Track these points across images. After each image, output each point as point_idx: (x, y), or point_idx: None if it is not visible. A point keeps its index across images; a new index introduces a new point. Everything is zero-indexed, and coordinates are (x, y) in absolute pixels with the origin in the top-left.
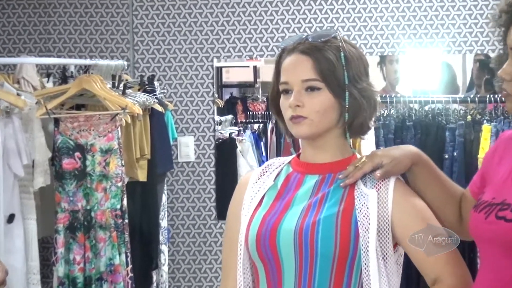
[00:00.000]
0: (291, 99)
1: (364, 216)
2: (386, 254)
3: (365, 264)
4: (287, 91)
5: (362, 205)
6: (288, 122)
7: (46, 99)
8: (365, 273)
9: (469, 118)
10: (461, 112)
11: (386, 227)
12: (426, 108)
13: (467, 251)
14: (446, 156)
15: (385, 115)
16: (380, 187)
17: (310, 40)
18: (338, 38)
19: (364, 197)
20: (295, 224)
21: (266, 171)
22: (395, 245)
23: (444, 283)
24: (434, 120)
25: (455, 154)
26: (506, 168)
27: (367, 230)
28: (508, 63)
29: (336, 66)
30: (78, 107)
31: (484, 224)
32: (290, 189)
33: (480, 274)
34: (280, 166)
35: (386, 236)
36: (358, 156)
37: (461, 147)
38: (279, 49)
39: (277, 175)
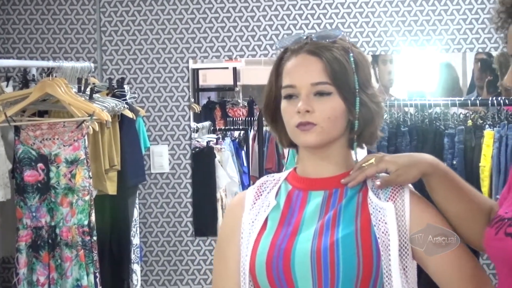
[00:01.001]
0: (300, 104)
1: (383, 232)
2: (407, 270)
3: (388, 284)
4: (291, 96)
5: (380, 221)
6: (293, 129)
7: (5, 105)
8: None
9: (469, 123)
10: (461, 116)
11: (406, 243)
12: (423, 112)
13: None
14: (445, 165)
15: None
16: (396, 199)
17: (314, 39)
18: (347, 39)
19: (380, 211)
20: (311, 246)
21: (263, 191)
22: None
23: None
24: (432, 126)
25: (454, 162)
26: None
27: (387, 247)
28: (510, 70)
29: (348, 69)
30: (41, 113)
31: (494, 241)
32: (295, 210)
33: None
34: (276, 184)
35: (406, 252)
36: None
37: (461, 155)
38: (279, 49)
39: (276, 193)
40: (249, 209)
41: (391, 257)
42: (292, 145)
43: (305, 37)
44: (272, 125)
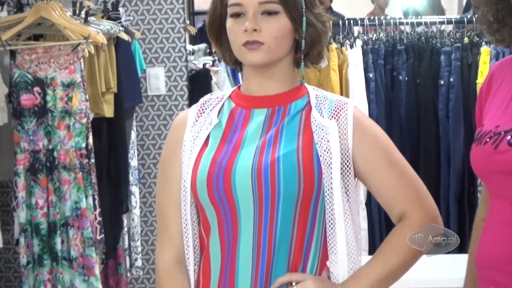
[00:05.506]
0: (247, 23)
1: (325, 150)
2: (348, 190)
3: (329, 202)
4: (238, 15)
5: (322, 139)
6: (240, 48)
7: (0, 30)
8: (330, 212)
9: (466, 40)
10: (457, 34)
11: (348, 161)
12: (419, 30)
13: (467, 185)
14: (442, 82)
15: (373, 38)
16: (339, 117)
17: None
18: None
19: (322, 129)
20: (252, 163)
21: (206, 109)
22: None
23: (413, 218)
24: (428, 44)
25: (451, 80)
26: (505, 93)
27: (329, 165)
28: None
29: None
30: (36, 37)
31: (493, 155)
32: (237, 127)
33: (496, 209)
34: (219, 101)
35: (348, 170)
36: (306, 85)
37: (458, 72)
38: None
39: (219, 111)
40: (191, 127)
41: (332, 175)
42: (237, 62)
43: None
44: (216, 43)
